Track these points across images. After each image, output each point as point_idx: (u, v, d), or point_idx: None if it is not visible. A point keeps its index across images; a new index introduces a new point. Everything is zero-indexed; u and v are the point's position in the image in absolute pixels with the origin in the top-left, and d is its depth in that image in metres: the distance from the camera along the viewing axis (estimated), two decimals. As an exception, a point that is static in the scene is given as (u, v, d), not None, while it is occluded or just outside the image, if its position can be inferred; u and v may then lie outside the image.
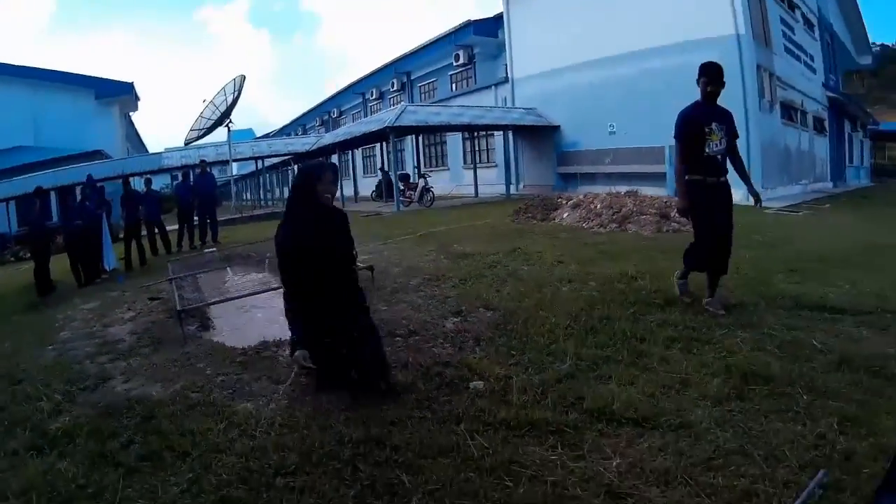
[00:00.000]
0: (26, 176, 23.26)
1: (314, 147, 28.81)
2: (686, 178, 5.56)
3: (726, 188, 5.58)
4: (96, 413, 4.24)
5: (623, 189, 15.65)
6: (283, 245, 4.14)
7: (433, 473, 2.96)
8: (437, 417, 3.64)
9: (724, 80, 5.54)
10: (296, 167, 27.89)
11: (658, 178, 17.93)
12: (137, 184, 15.89)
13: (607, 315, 5.53)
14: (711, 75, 5.46)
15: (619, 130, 20.25)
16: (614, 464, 2.98)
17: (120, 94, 33.27)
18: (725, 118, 5.58)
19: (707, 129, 5.43)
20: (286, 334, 5.42)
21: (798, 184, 20.93)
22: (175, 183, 16.86)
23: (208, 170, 17.10)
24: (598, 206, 12.73)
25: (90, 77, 32.70)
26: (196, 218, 15.84)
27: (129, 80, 33.22)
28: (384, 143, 26.18)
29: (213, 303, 7.27)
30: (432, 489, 2.86)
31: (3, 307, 10.63)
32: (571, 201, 13.77)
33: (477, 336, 5.22)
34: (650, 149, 18.03)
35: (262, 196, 37.95)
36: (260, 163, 33.25)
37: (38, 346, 6.71)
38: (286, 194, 34.46)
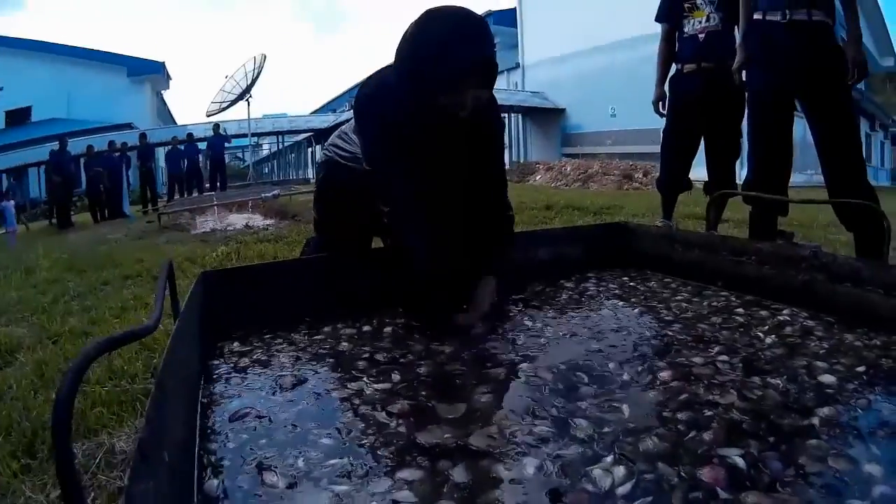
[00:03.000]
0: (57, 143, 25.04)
1: (333, 123, 30.07)
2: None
3: (718, 79, 3.89)
4: (68, 257, 5.79)
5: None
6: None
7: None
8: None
9: None
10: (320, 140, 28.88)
11: (654, 157, 18.68)
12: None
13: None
14: None
15: (619, 113, 21.08)
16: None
17: (151, 73, 34.56)
18: None
19: (687, 5, 4.23)
20: (224, 225, 6.77)
21: (802, 173, 21.53)
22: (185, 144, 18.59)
23: (220, 132, 19.01)
24: (568, 168, 13.80)
25: (122, 56, 34.10)
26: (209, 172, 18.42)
27: (161, 60, 34.95)
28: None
29: (185, 210, 8.71)
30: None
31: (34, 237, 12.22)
32: (546, 166, 14.84)
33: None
34: (646, 130, 18.80)
35: (281, 175, 39.28)
36: (282, 142, 34.59)
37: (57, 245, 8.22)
38: (308, 175, 35.78)
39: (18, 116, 31.35)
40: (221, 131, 18.93)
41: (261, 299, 2.09)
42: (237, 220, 8.41)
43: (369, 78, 2.14)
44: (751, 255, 2.23)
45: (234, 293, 2.06)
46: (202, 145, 19.10)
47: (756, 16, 3.28)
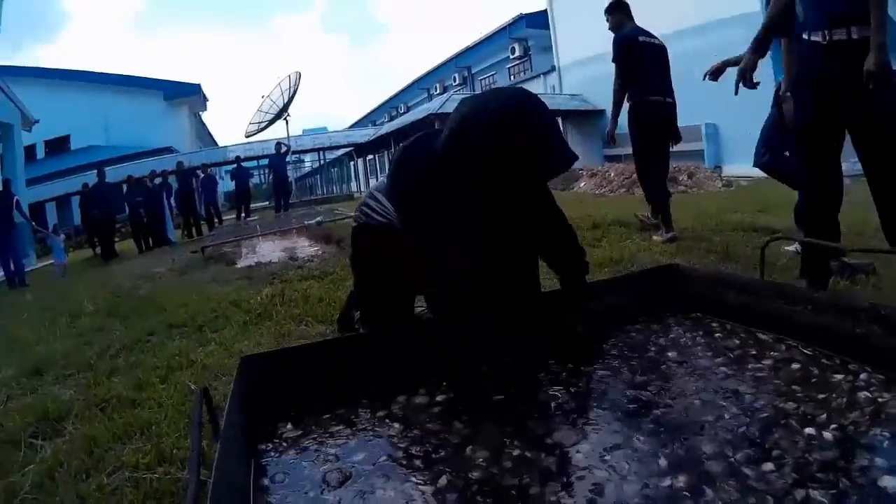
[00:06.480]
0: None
1: (373, 137, 30.30)
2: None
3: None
4: (112, 298, 5.94)
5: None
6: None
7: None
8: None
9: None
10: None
11: (696, 155, 18.34)
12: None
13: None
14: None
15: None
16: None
17: (188, 95, 35.61)
18: None
19: None
20: (270, 257, 6.80)
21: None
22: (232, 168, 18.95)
23: (281, 150, 19.41)
24: (612, 174, 13.62)
25: (158, 80, 35.22)
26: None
27: (196, 82, 35.80)
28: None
29: (226, 242, 8.82)
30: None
31: (78, 269, 12.62)
32: (590, 172, 14.66)
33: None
34: (687, 127, 18.39)
35: (324, 191, 39.63)
36: (323, 157, 34.93)
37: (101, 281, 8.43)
38: (352, 188, 35.98)
39: (57, 145, 32.35)
40: (283, 149, 19.29)
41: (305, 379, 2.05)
42: (282, 246, 8.49)
43: (409, 148, 2.10)
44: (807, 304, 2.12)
45: (277, 376, 2.01)
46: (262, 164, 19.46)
47: (803, 35, 3.01)
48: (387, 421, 1.89)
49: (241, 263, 7.30)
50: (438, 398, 2.00)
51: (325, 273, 5.31)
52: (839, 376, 1.82)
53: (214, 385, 2.71)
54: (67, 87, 31.78)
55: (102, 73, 34.12)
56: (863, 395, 1.67)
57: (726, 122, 17.08)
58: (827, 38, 2.85)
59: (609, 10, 5.84)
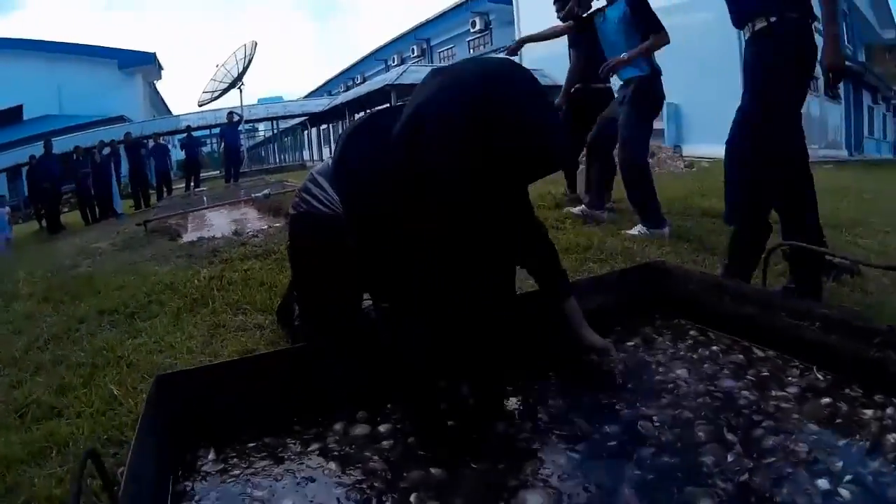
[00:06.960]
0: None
1: (328, 107, 29.80)
2: None
3: None
4: (54, 280, 5.49)
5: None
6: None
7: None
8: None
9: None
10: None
11: (656, 134, 18.23)
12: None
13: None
14: None
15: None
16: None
17: (142, 64, 35.14)
18: None
19: None
20: (214, 232, 6.50)
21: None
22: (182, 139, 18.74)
23: (234, 119, 19.11)
24: (571, 150, 13.46)
25: (112, 48, 34.67)
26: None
27: (151, 51, 35.26)
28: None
29: (170, 216, 8.57)
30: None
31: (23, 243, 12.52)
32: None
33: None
34: (652, 103, 18.27)
35: (277, 160, 39.22)
36: (276, 127, 34.49)
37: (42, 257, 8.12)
38: (305, 157, 35.56)
39: (10, 116, 31.69)
40: (235, 118, 19.00)
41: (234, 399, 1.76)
42: (228, 219, 8.18)
43: (359, 129, 1.72)
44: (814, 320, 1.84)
45: (199, 396, 1.72)
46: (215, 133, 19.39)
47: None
48: (320, 457, 1.60)
49: (183, 238, 7.01)
50: (381, 429, 1.71)
51: (268, 251, 5.04)
52: (869, 412, 1.55)
53: (140, 388, 2.44)
54: (20, 57, 31.25)
55: (56, 42, 33.68)
56: (892, 437, 1.42)
57: (688, 101, 16.96)
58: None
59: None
